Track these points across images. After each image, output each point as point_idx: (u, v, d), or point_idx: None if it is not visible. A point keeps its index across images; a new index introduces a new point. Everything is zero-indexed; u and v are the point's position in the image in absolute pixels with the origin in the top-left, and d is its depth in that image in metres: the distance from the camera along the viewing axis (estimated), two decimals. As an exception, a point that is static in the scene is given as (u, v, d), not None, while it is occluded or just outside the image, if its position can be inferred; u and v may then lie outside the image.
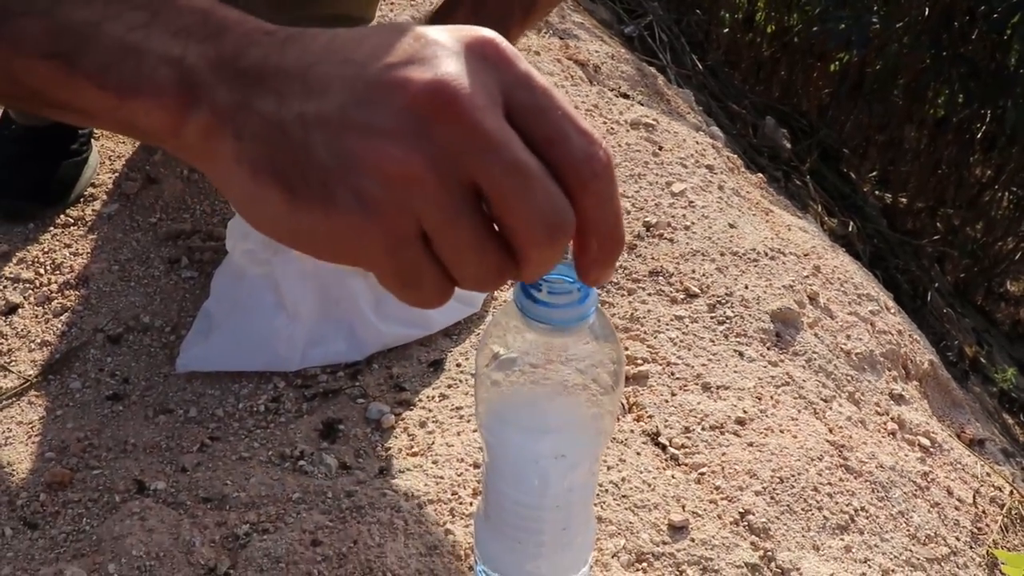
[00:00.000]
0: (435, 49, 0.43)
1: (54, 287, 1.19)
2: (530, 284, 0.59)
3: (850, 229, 2.33)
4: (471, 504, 0.91)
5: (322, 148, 0.43)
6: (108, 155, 1.37)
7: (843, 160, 2.78)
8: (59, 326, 1.16)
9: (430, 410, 1.02)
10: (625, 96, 1.73)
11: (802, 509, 0.94)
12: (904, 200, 3.05)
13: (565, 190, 0.44)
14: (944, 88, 2.76)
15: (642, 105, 1.68)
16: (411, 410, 1.03)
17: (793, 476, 0.96)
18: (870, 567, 0.91)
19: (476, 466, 0.95)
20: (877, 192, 3.01)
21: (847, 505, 0.95)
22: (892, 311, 1.34)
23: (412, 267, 0.45)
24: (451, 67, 0.43)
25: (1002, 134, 2.96)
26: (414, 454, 0.97)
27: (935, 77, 2.60)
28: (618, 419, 1.01)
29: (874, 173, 3.05)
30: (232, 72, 0.45)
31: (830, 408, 1.07)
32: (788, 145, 2.52)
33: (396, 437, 0.99)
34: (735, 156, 1.62)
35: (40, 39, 0.46)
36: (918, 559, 0.94)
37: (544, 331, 0.60)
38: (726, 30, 3.04)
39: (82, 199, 1.31)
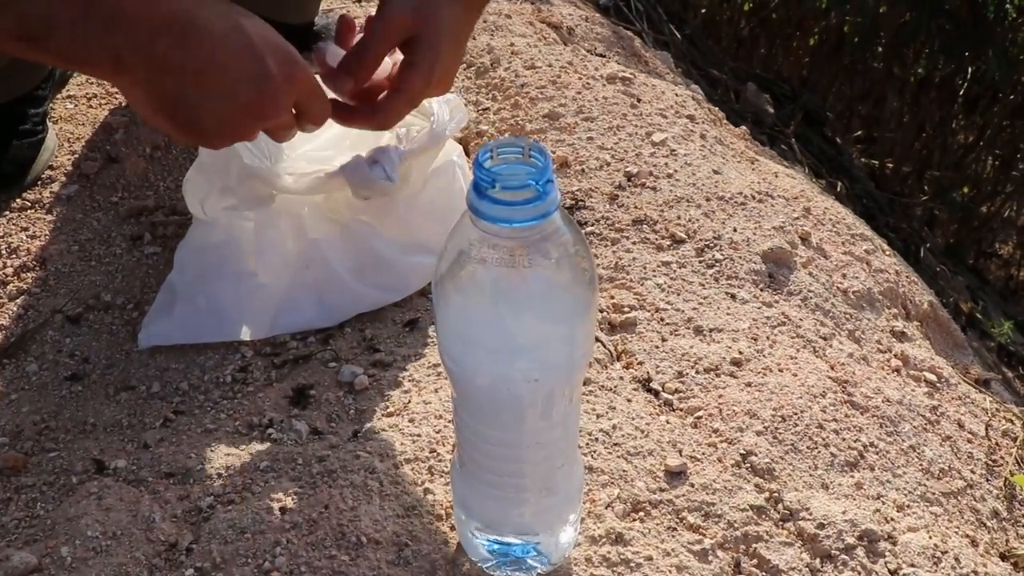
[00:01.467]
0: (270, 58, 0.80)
1: (10, 270, 1.14)
2: (481, 180, 0.53)
3: (838, 189, 2.28)
4: (451, 461, 0.85)
5: (206, 116, 0.79)
6: (67, 137, 1.31)
7: (827, 124, 2.72)
8: (15, 309, 1.10)
9: (406, 370, 0.96)
10: (601, 56, 1.67)
11: (807, 447, 0.88)
12: (890, 164, 3.01)
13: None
14: (924, 47, 2.72)
15: (618, 63, 1.62)
16: (386, 371, 0.97)
17: (796, 414, 0.90)
18: (883, 503, 0.85)
19: (457, 422, 0.89)
20: (863, 159, 2.96)
21: (855, 441, 0.89)
22: (887, 252, 1.28)
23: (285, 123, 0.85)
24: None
25: (983, 95, 2.92)
26: (389, 414, 0.91)
27: (914, 35, 2.55)
28: (606, 366, 0.95)
29: (859, 134, 3.01)
30: (146, 55, 0.73)
31: (830, 346, 1.01)
32: (771, 110, 2.47)
33: (370, 399, 0.93)
34: (716, 109, 1.56)
35: (12, 27, 0.69)
36: (933, 493, 0.88)
37: (502, 234, 0.54)
38: (703, 11, 3.00)
39: (40, 181, 1.25)
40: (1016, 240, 3.13)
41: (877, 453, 0.89)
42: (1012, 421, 1.04)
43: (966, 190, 3.09)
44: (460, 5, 0.87)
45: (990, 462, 0.96)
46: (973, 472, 0.94)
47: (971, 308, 2.32)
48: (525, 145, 0.55)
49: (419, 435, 0.87)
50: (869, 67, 2.95)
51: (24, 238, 1.18)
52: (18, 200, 1.22)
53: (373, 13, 0.88)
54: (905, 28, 2.61)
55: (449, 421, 0.89)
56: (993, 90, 2.85)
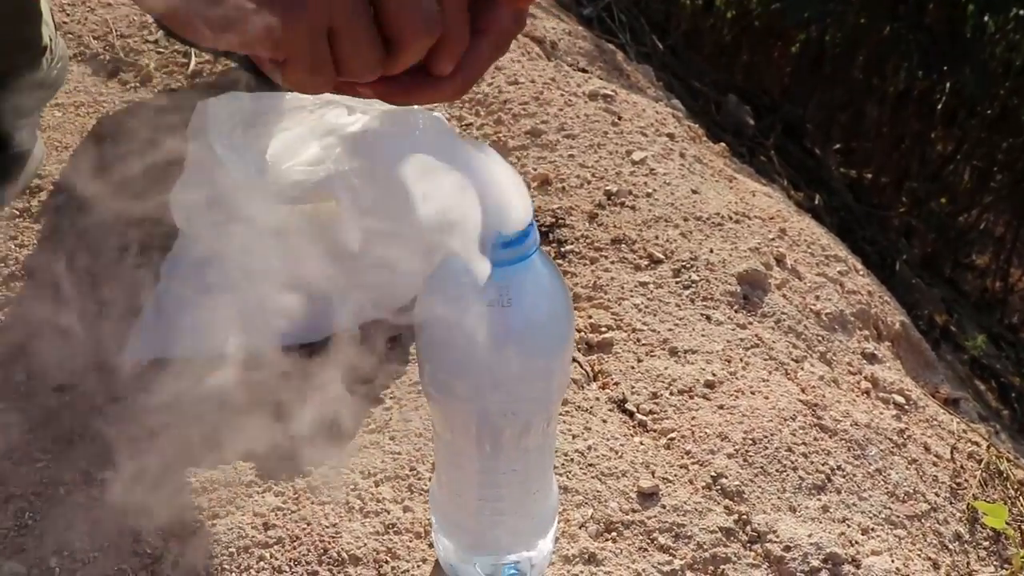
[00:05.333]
0: None
1: (-2, 280, 1.15)
2: None
3: (816, 202, 2.31)
4: (430, 479, 0.88)
5: None
6: (55, 146, 1.33)
7: (807, 136, 2.76)
8: (3, 319, 1.11)
9: (388, 387, 0.99)
10: (583, 71, 1.70)
11: (776, 470, 0.91)
12: (869, 175, 3.05)
13: None
14: (903, 61, 2.75)
15: (600, 79, 1.65)
16: (368, 387, 0.99)
17: (766, 437, 0.93)
18: (849, 526, 0.88)
19: (437, 441, 0.91)
20: (842, 169, 3.00)
21: (823, 464, 0.92)
22: (861, 273, 1.31)
23: (319, 57, 0.54)
24: None
25: (962, 107, 2.96)
26: (371, 431, 0.93)
27: (894, 48, 2.59)
28: (583, 387, 0.98)
29: (838, 146, 3.05)
30: None
31: (801, 368, 1.04)
32: (751, 122, 2.50)
33: (352, 415, 0.95)
34: (696, 126, 1.59)
35: None
36: (898, 516, 0.91)
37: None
38: (686, 16, 3.03)
39: (27, 191, 1.26)
40: (993, 251, 3.18)
41: (844, 476, 0.92)
42: (977, 443, 1.07)
43: (944, 201, 3.13)
44: None
45: (954, 485, 0.99)
46: (937, 495, 0.97)
47: (946, 321, 2.36)
48: None
49: (399, 453, 0.90)
50: (850, 78, 2.99)
51: (12, 247, 1.19)
52: (6, 209, 1.24)
53: None
54: (885, 42, 2.65)
55: (428, 440, 0.91)
56: (971, 103, 2.90)
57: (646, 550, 0.83)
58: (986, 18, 2.73)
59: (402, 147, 0.81)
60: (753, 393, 0.98)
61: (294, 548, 0.82)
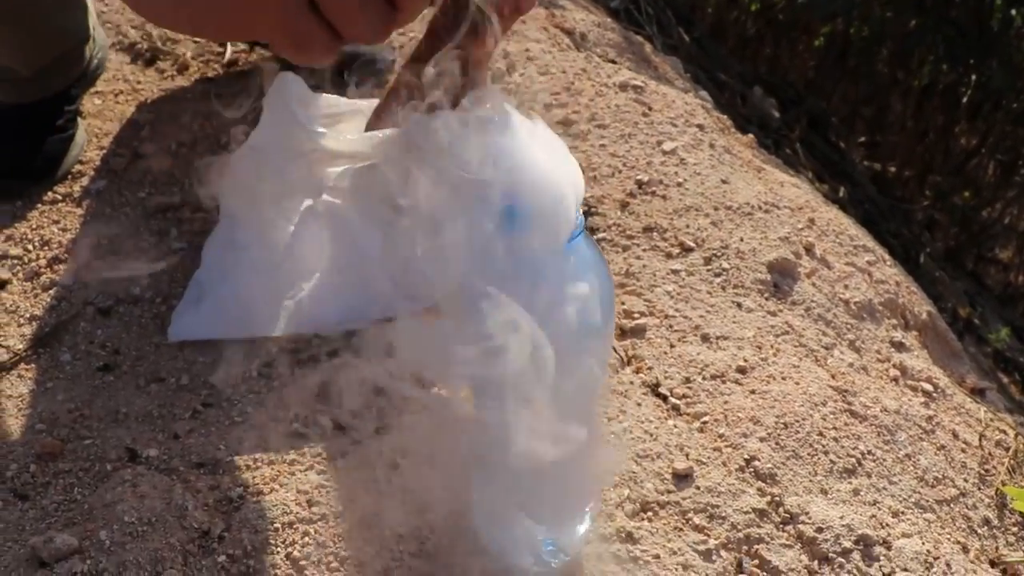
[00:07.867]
0: None
1: (43, 262, 1.17)
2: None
3: (841, 194, 2.32)
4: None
5: None
6: (95, 133, 1.35)
7: (831, 129, 2.76)
8: (48, 300, 1.14)
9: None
10: (613, 62, 1.71)
11: (808, 454, 0.93)
12: (893, 168, 3.05)
13: None
14: (929, 54, 2.75)
15: (630, 70, 1.66)
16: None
17: (798, 421, 0.95)
18: (879, 509, 0.90)
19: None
20: (866, 162, 3.00)
21: (853, 449, 0.94)
22: (888, 263, 1.32)
23: (304, 33, 0.50)
24: None
25: (986, 101, 2.96)
26: (413, 412, 0.95)
27: (920, 42, 2.59)
28: (617, 371, 1.00)
29: (862, 139, 3.05)
30: None
31: (831, 355, 1.06)
32: (776, 114, 2.51)
33: (392, 396, 0.97)
34: (724, 117, 1.60)
35: None
36: (927, 501, 0.93)
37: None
38: (710, 10, 3.04)
39: (69, 176, 1.29)
40: (1016, 245, 3.17)
41: (874, 461, 0.94)
42: (1005, 432, 1.09)
43: (967, 195, 3.13)
44: None
45: (983, 471, 1.01)
46: (966, 481, 0.98)
47: (969, 313, 2.36)
48: None
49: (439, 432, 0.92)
50: (874, 71, 2.99)
51: (55, 231, 1.22)
52: (49, 193, 1.26)
53: None
54: (911, 35, 2.65)
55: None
56: (996, 96, 2.89)
57: (681, 529, 0.85)
58: (1013, 11, 2.73)
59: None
60: (784, 379, 1.00)
61: (337, 524, 0.84)
